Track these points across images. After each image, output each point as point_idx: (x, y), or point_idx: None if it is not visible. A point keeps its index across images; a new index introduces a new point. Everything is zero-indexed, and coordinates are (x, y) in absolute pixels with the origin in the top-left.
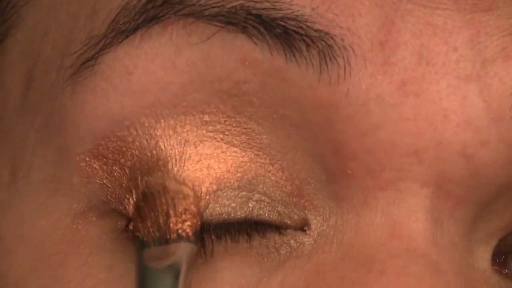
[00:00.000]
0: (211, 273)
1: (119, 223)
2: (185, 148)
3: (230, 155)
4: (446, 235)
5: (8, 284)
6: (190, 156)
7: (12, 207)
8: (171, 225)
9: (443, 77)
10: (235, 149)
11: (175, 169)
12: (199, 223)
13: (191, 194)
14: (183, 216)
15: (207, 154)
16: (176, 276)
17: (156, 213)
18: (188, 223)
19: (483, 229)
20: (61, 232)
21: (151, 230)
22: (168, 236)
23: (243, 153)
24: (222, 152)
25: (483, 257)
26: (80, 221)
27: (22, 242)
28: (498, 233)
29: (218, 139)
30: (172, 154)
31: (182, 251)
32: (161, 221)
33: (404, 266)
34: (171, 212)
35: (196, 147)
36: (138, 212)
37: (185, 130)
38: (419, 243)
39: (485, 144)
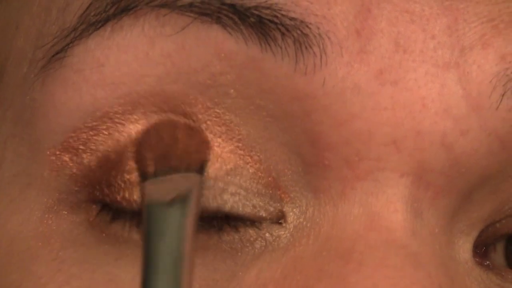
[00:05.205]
0: None
1: (90, 215)
2: None
3: (213, 145)
4: (426, 226)
5: None
6: None
7: None
8: (179, 153)
9: (421, 65)
10: (217, 139)
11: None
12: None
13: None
14: (193, 147)
15: None
16: (184, 213)
17: (162, 142)
18: (200, 154)
19: (464, 220)
20: (32, 228)
21: (154, 160)
22: (176, 165)
23: (224, 144)
24: None
25: (464, 248)
26: (50, 216)
27: None
28: (479, 224)
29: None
30: None
31: (191, 182)
32: (167, 150)
33: (384, 258)
34: (181, 141)
35: None
36: (136, 147)
37: (166, 115)
38: (398, 234)
39: (465, 133)
